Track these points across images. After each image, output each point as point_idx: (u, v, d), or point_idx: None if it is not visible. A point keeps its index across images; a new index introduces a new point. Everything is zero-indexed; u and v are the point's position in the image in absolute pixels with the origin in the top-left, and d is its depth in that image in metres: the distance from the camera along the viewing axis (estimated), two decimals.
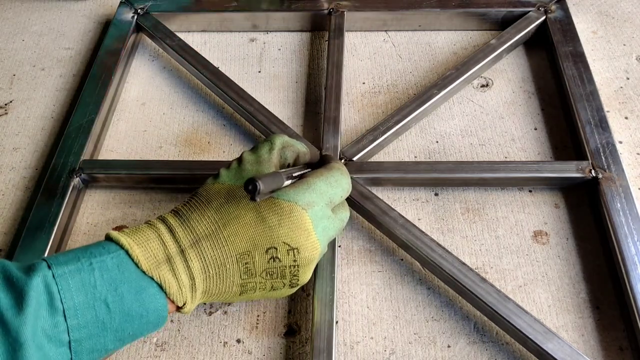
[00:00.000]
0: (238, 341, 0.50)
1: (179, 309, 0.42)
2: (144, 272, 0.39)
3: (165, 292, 0.40)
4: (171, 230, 0.42)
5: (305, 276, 0.45)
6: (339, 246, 0.55)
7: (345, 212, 0.49)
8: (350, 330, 0.50)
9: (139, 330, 0.40)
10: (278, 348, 0.50)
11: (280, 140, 0.48)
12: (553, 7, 0.70)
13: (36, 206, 0.57)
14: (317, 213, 0.43)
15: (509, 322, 0.47)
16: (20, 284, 0.35)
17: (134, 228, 0.42)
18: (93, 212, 0.60)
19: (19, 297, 0.35)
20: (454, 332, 0.50)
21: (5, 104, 0.70)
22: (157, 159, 0.63)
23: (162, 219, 0.43)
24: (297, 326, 0.51)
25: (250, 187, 0.38)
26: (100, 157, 0.64)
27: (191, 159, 0.63)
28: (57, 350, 0.36)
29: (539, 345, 0.45)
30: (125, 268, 0.39)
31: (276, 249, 0.42)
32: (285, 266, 0.43)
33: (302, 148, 0.49)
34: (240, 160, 0.47)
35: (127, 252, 0.39)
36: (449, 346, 0.49)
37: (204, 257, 0.41)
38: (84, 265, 0.38)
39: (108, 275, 0.38)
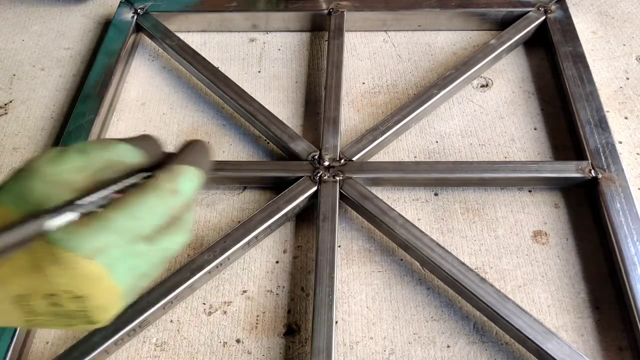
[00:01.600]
0: (237, 341, 0.50)
1: None
2: None
3: None
4: None
5: (104, 317, 0.35)
6: (339, 246, 0.55)
7: (179, 235, 0.36)
8: (350, 330, 0.50)
9: None
10: (277, 348, 0.50)
11: (101, 159, 0.35)
12: (553, 7, 0.70)
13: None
14: (114, 256, 0.33)
15: (508, 322, 0.47)
16: None
17: None
18: None
19: None
20: (453, 332, 0.50)
21: (5, 104, 0.70)
22: None
23: None
24: (297, 326, 0.51)
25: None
26: None
27: None
28: None
29: (538, 346, 0.45)
30: None
31: (57, 295, 0.34)
32: (73, 310, 0.35)
33: (133, 160, 0.36)
34: (30, 170, 0.34)
35: None
36: (448, 346, 0.49)
37: None
38: None
39: None
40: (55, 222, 0.33)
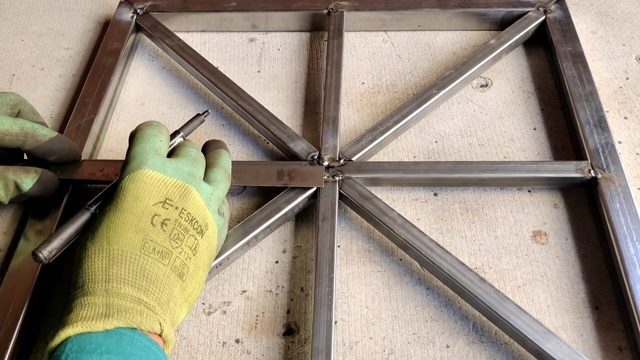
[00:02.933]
0: (237, 341, 0.50)
1: (163, 341, 0.39)
2: (105, 331, 0.36)
3: (136, 328, 0.37)
4: (83, 293, 0.39)
5: (199, 212, 0.44)
6: (338, 246, 0.55)
7: (186, 150, 0.48)
8: (349, 330, 0.50)
9: None
10: (277, 348, 0.50)
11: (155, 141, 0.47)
12: (552, 7, 0.70)
13: (36, 206, 0.57)
14: (153, 164, 0.44)
15: (508, 322, 0.47)
16: None
17: (59, 328, 0.38)
18: None
19: None
20: (452, 332, 0.50)
21: None
22: None
23: (71, 299, 0.40)
24: (296, 326, 0.51)
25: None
26: (100, 158, 0.64)
27: None
28: None
29: (538, 346, 0.45)
30: (87, 343, 0.36)
31: (156, 214, 0.42)
32: (176, 219, 0.42)
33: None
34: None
35: (75, 335, 0.36)
36: (447, 346, 0.49)
37: (125, 279, 0.39)
38: None
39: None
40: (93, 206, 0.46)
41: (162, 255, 0.41)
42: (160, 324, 0.39)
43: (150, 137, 0.46)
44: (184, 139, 0.52)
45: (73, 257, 0.42)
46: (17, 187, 0.52)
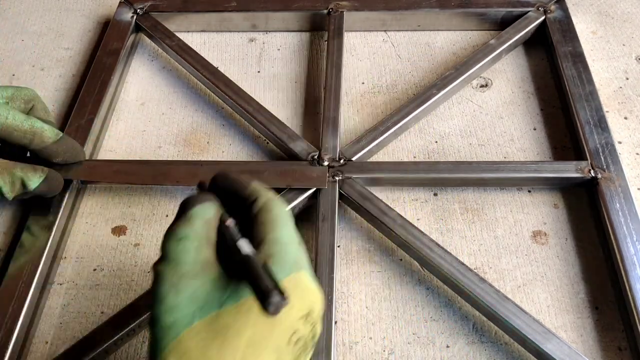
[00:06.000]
0: None
1: None
2: None
3: None
4: None
5: (320, 327, 0.36)
6: (338, 246, 0.55)
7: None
8: (349, 330, 0.50)
9: None
10: None
11: (203, 231, 0.35)
12: (552, 7, 0.70)
13: (35, 206, 0.57)
14: (307, 265, 0.36)
15: (507, 322, 0.47)
16: None
17: None
18: (92, 212, 0.60)
19: None
20: (452, 332, 0.50)
21: None
22: (156, 159, 0.63)
23: None
24: None
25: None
26: (100, 157, 0.64)
27: (190, 159, 0.63)
28: None
29: (537, 346, 0.45)
30: None
31: (296, 330, 0.34)
32: (306, 335, 0.34)
33: (212, 212, 0.37)
34: (174, 284, 0.33)
35: None
36: (447, 346, 0.49)
37: None
38: None
39: None
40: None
41: None
42: None
43: (289, 218, 0.37)
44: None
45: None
46: (24, 184, 0.52)
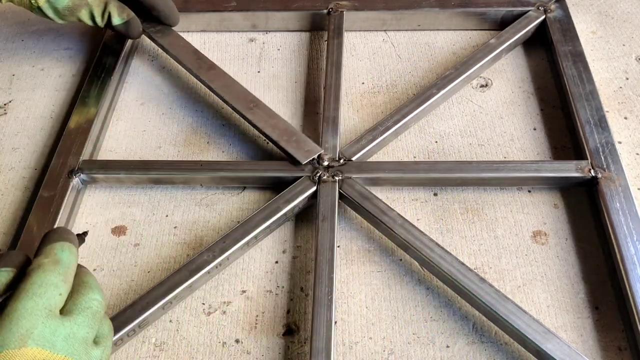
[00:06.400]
0: (237, 341, 0.50)
1: None
2: None
3: None
4: None
5: None
6: (338, 246, 0.55)
7: (93, 293, 0.39)
8: (349, 330, 0.50)
9: None
10: (277, 348, 0.50)
11: None
12: (552, 7, 0.70)
13: (35, 206, 0.57)
14: (42, 335, 0.35)
15: (507, 322, 0.47)
16: None
17: None
18: (92, 212, 0.60)
19: None
20: (452, 332, 0.50)
21: (5, 104, 0.70)
22: (156, 159, 0.63)
23: None
24: (296, 326, 0.51)
25: None
26: (100, 158, 0.64)
27: (190, 159, 0.63)
28: None
29: (538, 345, 0.45)
30: None
31: None
32: None
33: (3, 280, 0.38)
34: None
35: None
36: (447, 346, 0.49)
37: None
38: None
39: None
40: None
41: None
42: None
43: (49, 287, 0.36)
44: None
45: None
46: (109, 18, 0.64)
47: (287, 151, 0.58)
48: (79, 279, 0.39)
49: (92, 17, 0.64)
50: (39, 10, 0.62)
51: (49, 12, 0.63)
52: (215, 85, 0.65)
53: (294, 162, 0.58)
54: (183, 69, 0.71)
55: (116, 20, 0.64)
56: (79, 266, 0.41)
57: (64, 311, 0.37)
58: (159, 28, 0.68)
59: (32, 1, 0.61)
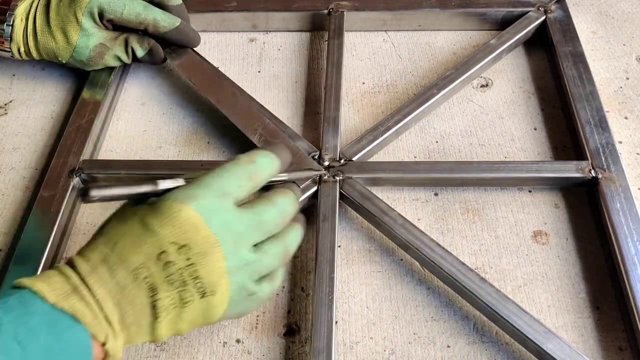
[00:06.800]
0: (237, 341, 0.50)
1: (105, 353, 0.38)
2: (53, 305, 0.36)
3: (81, 323, 0.36)
4: (70, 263, 0.39)
5: (211, 277, 0.39)
6: (339, 246, 0.55)
7: (265, 208, 0.43)
8: (350, 330, 0.50)
9: None
10: (277, 348, 0.50)
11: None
12: (553, 7, 0.70)
13: (36, 206, 0.57)
14: (205, 206, 0.39)
15: (508, 322, 0.47)
16: None
17: (40, 273, 0.39)
18: (92, 212, 0.60)
19: None
20: (453, 332, 0.50)
21: (5, 104, 0.70)
22: (156, 159, 0.63)
23: (65, 259, 0.41)
24: (297, 326, 0.51)
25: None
26: (100, 157, 0.64)
27: (191, 159, 0.63)
28: None
29: (538, 345, 0.45)
30: (31, 304, 0.36)
31: (166, 251, 0.38)
32: (180, 268, 0.38)
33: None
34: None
35: (29, 289, 0.36)
36: (448, 346, 0.49)
37: (104, 283, 0.38)
38: None
39: (13, 313, 0.35)
40: (164, 183, 0.41)
41: (149, 287, 0.38)
42: (107, 336, 0.37)
43: (232, 176, 0.42)
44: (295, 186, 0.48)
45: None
46: (134, 52, 0.65)
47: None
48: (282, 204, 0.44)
49: (118, 58, 0.65)
50: (67, 63, 0.65)
51: (76, 65, 0.65)
52: (222, 106, 0.63)
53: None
54: None
55: (140, 53, 0.64)
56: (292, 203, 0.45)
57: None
58: (173, 48, 0.67)
59: (59, 59, 0.64)
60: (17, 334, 0.34)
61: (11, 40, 0.63)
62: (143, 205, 0.40)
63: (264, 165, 0.44)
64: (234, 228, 0.40)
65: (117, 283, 0.38)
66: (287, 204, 0.44)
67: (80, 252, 0.40)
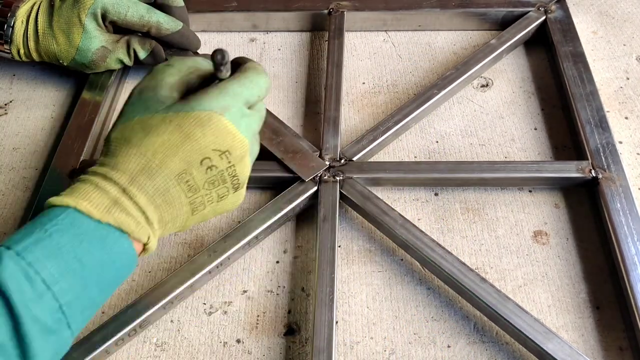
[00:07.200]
0: (238, 341, 0.50)
1: (144, 247, 0.43)
2: (99, 221, 0.39)
3: (125, 233, 0.40)
4: (105, 178, 0.41)
5: (244, 173, 0.46)
6: (339, 246, 0.55)
7: (262, 106, 0.49)
8: (350, 330, 0.50)
9: (116, 276, 0.41)
10: (278, 348, 0.50)
11: (185, 65, 0.47)
12: (553, 7, 0.70)
13: (36, 206, 0.57)
14: (235, 115, 0.44)
15: (508, 322, 0.47)
16: None
17: (69, 189, 0.42)
18: None
19: None
20: (453, 332, 0.50)
21: (5, 104, 0.70)
22: None
23: (91, 173, 0.43)
24: (297, 326, 0.51)
25: (218, 57, 0.43)
26: None
27: None
28: (53, 317, 0.36)
29: (539, 345, 0.45)
30: (81, 223, 0.39)
31: (209, 158, 0.43)
32: (223, 170, 0.44)
33: (207, 66, 0.48)
34: (140, 90, 0.46)
35: (75, 208, 0.39)
36: (448, 346, 0.49)
37: (145, 190, 0.41)
38: (40, 235, 0.38)
39: (68, 234, 0.38)
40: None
41: (190, 189, 0.43)
42: (149, 237, 0.42)
43: (255, 86, 0.46)
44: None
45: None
46: (136, 54, 0.64)
47: (292, 169, 0.57)
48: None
49: (120, 61, 0.65)
50: (68, 66, 0.65)
51: (77, 68, 0.65)
52: None
53: (299, 178, 0.57)
54: None
55: (142, 55, 0.64)
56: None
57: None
58: (174, 50, 0.66)
59: (60, 61, 0.64)
60: (76, 253, 0.38)
61: (11, 42, 0.63)
62: (170, 114, 0.43)
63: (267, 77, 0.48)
64: (253, 126, 0.46)
65: (158, 188, 0.42)
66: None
67: (108, 165, 0.42)
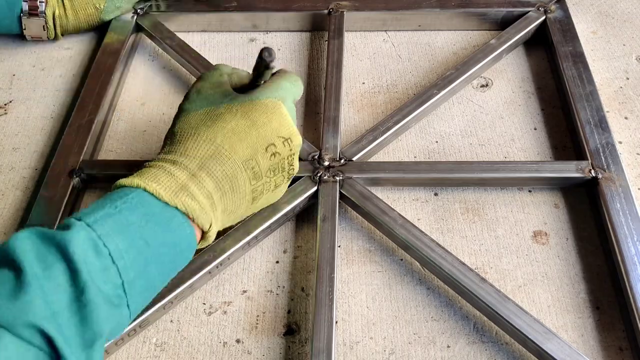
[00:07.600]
0: (237, 341, 0.50)
1: (202, 236, 0.44)
2: (166, 203, 0.41)
3: (190, 218, 0.42)
4: (175, 163, 0.43)
5: (297, 163, 0.49)
6: (339, 246, 0.55)
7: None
8: (350, 330, 0.50)
9: (175, 261, 0.42)
10: (278, 348, 0.50)
11: (227, 68, 0.51)
12: (553, 7, 0.70)
13: (35, 206, 0.57)
14: (289, 105, 0.48)
15: (508, 322, 0.47)
16: (60, 238, 0.36)
17: (138, 172, 0.43)
18: None
19: (64, 250, 0.35)
20: (453, 332, 0.50)
21: (5, 104, 0.70)
22: None
23: (159, 159, 0.44)
24: (297, 326, 0.51)
25: (266, 54, 0.45)
26: (100, 158, 0.64)
27: None
28: (115, 292, 0.37)
29: (538, 346, 0.45)
30: (149, 203, 0.40)
31: (274, 144, 0.46)
32: (284, 157, 0.47)
33: (244, 73, 0.52)
34: (197, 90, 0.49)
35: (144, 189, 0.41)
36: (448, 346, 0.49)
37: (214, 175, 0.43)
38: (110, 210, 0.39)
39: (136, 212, 0.39)
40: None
41: (254, 176, 0.45)
42: (210, 225, 0.43)
43: (299, 84, 0.51)
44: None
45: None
46: None
47: None
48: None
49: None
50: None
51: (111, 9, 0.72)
52: None
53: (299, 178, 0.57)
54: (184, 69, 0.71)
55: None
56: None
57: None
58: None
59: (97, 5, 0.71)
60: (142, 233, 0.39)
61: (46, 3, 0.67)
62: (235, 104, 0.46)
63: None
64: (295, 121, 0.49)
65: (226, 174, 0.44)
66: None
67: (177, 152, 0.44)
